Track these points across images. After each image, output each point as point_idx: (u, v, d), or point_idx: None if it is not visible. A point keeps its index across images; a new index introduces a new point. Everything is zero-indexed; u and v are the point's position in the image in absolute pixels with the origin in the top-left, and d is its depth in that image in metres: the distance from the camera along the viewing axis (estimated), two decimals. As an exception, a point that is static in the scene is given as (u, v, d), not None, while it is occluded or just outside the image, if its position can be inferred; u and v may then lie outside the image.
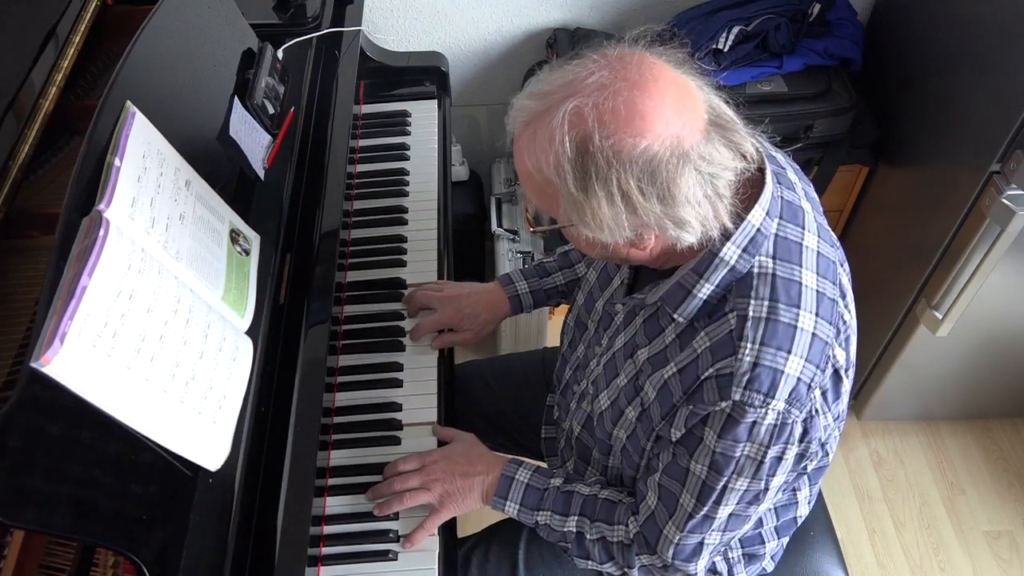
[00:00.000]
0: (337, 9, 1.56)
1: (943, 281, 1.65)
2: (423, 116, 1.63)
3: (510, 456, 1.18)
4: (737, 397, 0.88)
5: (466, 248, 2.20)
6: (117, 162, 0.91)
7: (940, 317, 1.67)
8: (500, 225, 2.05)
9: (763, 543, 1.17)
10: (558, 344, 1.47)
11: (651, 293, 0.98)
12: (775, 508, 1.14)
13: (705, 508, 0.97)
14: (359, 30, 1.55)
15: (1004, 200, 1.46)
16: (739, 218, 0.89)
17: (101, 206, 0.87)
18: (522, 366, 1.47)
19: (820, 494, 1.29)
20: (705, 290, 0.91)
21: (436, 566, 1.11)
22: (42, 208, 1.10)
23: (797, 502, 1.15)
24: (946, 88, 1.66)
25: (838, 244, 1.00)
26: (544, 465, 1.39)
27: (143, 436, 0.86)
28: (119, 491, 0.85)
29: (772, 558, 1.20)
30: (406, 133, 1.60)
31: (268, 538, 0.97)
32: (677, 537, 1.01)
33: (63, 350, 0.76)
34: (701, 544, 1.02)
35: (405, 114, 1.63)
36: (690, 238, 0.87)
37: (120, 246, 0.87)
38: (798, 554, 1.27)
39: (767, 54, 1.81)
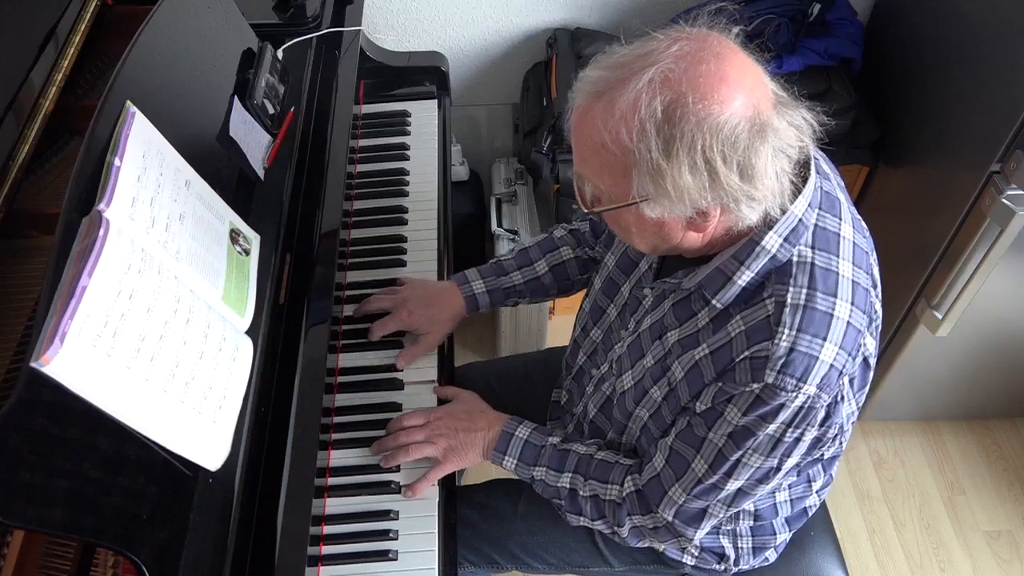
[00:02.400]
0: (337, 9, 1.56)
1: (943, 281, 1.65)
2: (423, 116, 1.63)
3: (510, 416, 1.20)
4: (770, 380, 0.90)
5: (466, 248, 2.20)
6: (117, 162, 0.91)
7: (940, 317, 1.67)
8: (500, 225, 2.05)
9: (774, 535, 1.17)
10: (559, 344, 1.47)
11: (688, 279, 0.98)
12: (791, 499, 1.15)
13: (715, 477, 0.99)
14: (359, 30, 1.55)
15: (1004, 200, 1.46)
16: (782, 208, 0.90)
17: (101, 206, 0.87)
18: (525, 366, 1.48)
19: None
20: (745, 277, 0.92)
21: (436, 566, 1.11)
22: (42, 208, 1.10)
23: (811, 492, 1.15)
24: (946, 88, 1.66)
25: (869, 234, 1.01)
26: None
27: (143, 436, 0.86)
28: (119, 491, 0.85)
29: (776, 549, 1.21)
30: (406, 133, 1.60)
31: (268, 538, 0.96)
32: (683, 499, 1.03)
33: (63, 350, 0.76)
34: (704, 512, 1.04)
35: (405, 114, 1.63)
36: (754, 216, 0.87)
37: (120, 246, 0.87)
38: (798, 554, 1.27)
39: (767, 54, 1.81)
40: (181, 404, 0.91)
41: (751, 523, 1.16)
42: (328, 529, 1.13)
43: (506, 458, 1.17)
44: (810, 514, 1.21)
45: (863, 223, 1.01)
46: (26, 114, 1.09)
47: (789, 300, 0.90)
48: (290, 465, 1.02)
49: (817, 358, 0.89)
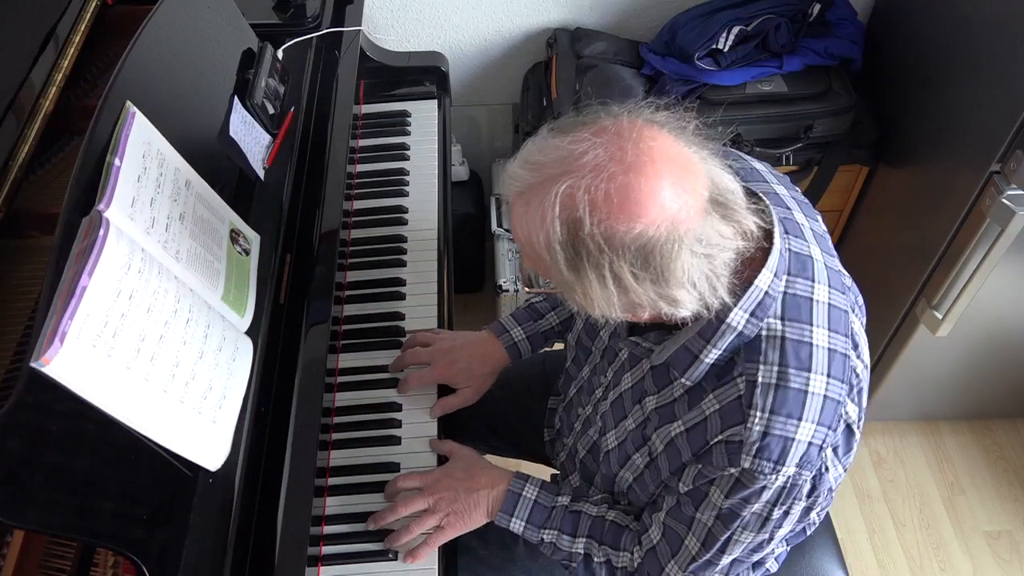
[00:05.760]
0: (337, 9, 1.56)
1: (943, 281, 1.65)
2: (423, 116, 1.63)
3: (513, 471, 1.16)
4: (747, 465, 0.87)
5: (466, 248, 2.20)
6: (117, 162, 0.92)
7: (940, 317, 1.67)
8: (500, 225, 2.05)
9: (772, 551, 1.17)
10: (559, 348, 1.47)
11: (658, 353, 0.96)
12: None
13: (709, 554, 0.98)
14: (359, 30, 1.55)
15: (1004, 200, 1.46)
16: (747, 283, 0.86)
17: (101, 206, 0.87)
18: (522, 371, 1.46)
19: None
20: (712, 355, 0.90)
21: (436, 566, 1.11)
22: (42, 208, 1.10)
23: (809, 516, 1.15)
24: (946, 88, 1.66)
25: (849, 287, 0.98)
26: (548, 469, 1.39)
27: (143, 436, 0.86)
28: (119, 491, 0.85)
29: (776, 559, 1.20)
30: (406, 133, 1.60)
31: (268, 538, 0.97)
32: None
33: (63, 350, 0.76)
34: None
35: (405, 114, 1.63)
36: (685, 313, 0.84)
37: (120, 246, 0.87)
38: (798, 554, 1.28)
39: (767, 54, 1.81)
40: (181, 404, 0.91)
41: None
42: (328, 529, 1.13)
43: (513, 520, 1.11)
44: (808, 532, 1.20)
45: (842, 276, 0.97)
46: (26, 114, 1.09)
47: (760, 379, 0.86)
48: (290, 465, 1.02)
49: (793, 439, 0.86)
